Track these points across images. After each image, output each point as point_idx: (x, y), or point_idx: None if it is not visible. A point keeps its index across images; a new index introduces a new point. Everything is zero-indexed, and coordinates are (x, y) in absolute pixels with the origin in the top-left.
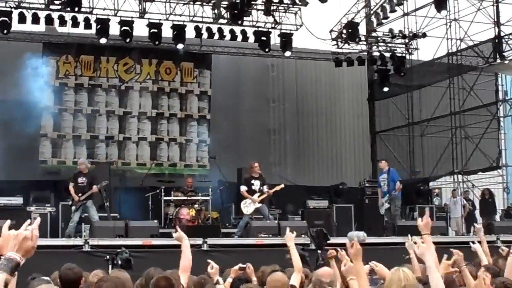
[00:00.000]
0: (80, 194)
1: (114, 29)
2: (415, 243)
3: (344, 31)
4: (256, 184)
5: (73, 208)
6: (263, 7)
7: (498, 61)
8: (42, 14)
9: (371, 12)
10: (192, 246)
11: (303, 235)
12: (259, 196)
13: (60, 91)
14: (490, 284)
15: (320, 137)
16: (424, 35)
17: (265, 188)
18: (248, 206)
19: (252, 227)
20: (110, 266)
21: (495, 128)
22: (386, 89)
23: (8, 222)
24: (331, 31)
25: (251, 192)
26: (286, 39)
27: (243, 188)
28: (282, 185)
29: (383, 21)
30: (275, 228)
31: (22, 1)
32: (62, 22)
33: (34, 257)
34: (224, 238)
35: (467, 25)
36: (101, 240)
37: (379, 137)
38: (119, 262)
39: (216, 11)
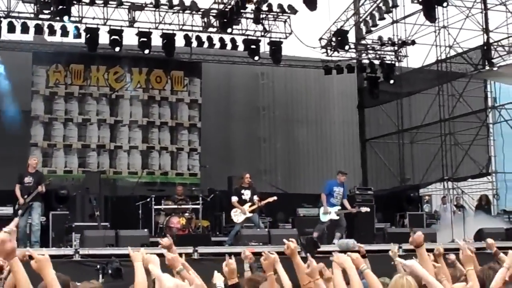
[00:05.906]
0: (26, 196)
1: (104, 38)
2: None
3: (334, 39)
4: (246, 194)
5: (20, 212)
6: (252, 16)
7: (487, 68)
8: (31, 24)
9: (360, 19)
10: (181, 255)
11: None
12: (250, 206)
13: (50, 100)
14: None
15: (310, 144)
16: (413, 42)
17: (255, 198)
18: (238, 215)
19: (242, 235)
20: (100, 276)
21: (484, 135)
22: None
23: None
24: (320, 39)
25: (242, 202)
26: (276, 47)
27: (234, 199)
28: (275, 197)
29: (372, 28)
30: (266, 237)
31: (11, 10)
32: (52, 31)
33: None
34: (215, 247)
35: (456, 32)
36: (91, 249)
37: (369, 144)
38: (110, 271)
39: (205, 19)
